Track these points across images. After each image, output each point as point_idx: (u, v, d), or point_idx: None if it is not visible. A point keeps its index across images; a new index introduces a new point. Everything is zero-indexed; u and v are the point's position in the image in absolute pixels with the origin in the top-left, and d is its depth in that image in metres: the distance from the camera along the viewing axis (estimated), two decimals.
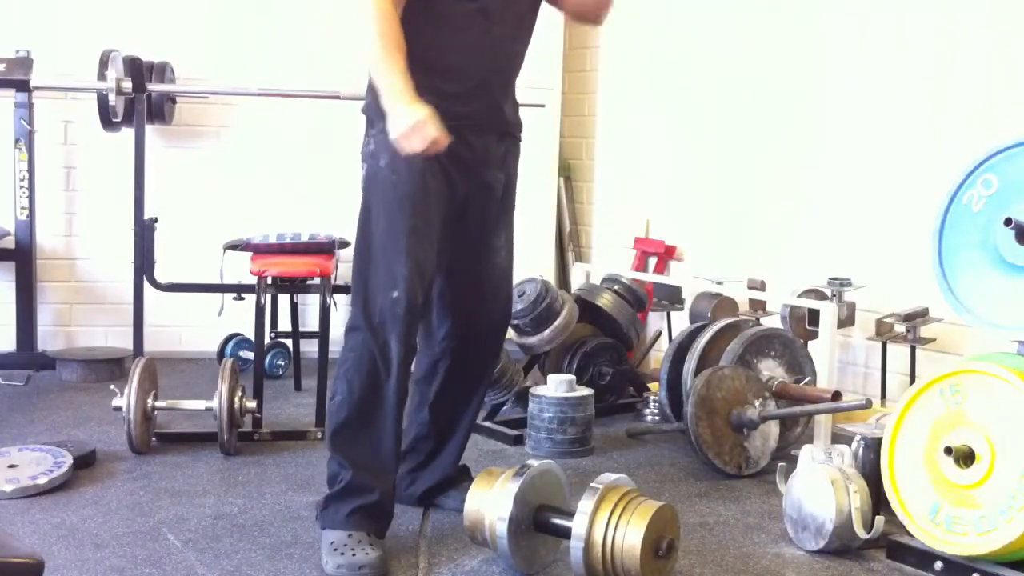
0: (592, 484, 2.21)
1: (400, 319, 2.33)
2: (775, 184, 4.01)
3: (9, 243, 4.16)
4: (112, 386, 3.15)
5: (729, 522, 2.71)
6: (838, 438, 3.07)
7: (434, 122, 2.20)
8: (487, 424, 3.46)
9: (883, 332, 3.32)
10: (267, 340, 3.80)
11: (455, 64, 2.38)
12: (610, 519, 2.14)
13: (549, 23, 4.63)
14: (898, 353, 3.40)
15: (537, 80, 4.15)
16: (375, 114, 2.36)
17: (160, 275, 3.55)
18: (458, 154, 2.36)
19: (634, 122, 4.69)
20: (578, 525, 2.15)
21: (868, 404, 2.92)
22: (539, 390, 3.30)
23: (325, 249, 3.57)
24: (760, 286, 3.66)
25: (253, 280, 3.40)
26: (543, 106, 4.14)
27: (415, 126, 2.18)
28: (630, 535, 2.12)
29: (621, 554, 2.12)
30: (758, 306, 3.72)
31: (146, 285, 3.53)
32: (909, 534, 2.41)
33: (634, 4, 4.73)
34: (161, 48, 4.29)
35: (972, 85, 3.29)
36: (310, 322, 4.39)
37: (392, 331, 2.34)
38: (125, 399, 3.05)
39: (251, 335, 3.61)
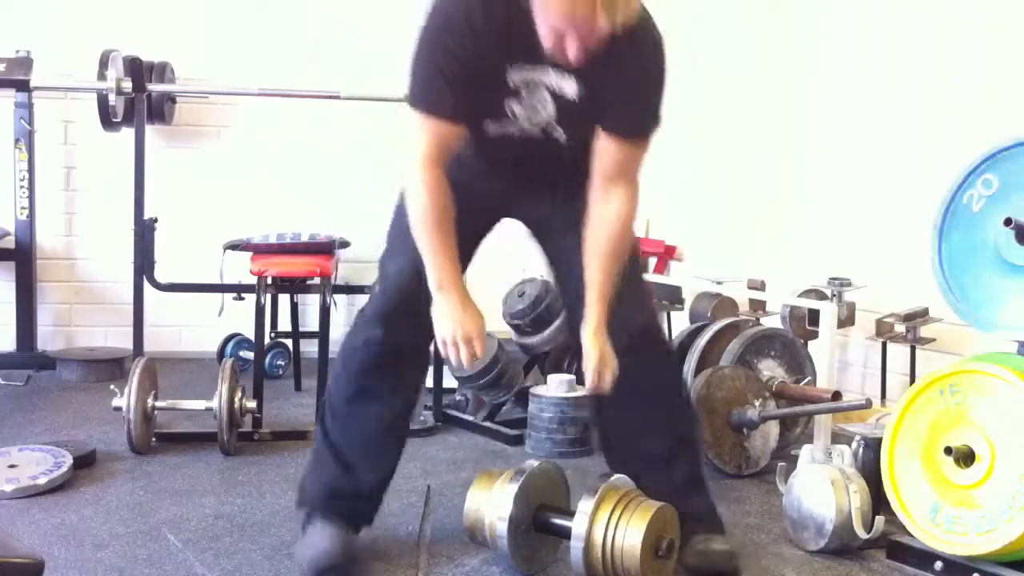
0: (592, 484, 2.21)
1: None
2: (775, 184, 4.01)
3: (9, 243, 4.16)
4: (112, 386, 3.15)
5: (729, 522, 2.70)
6: (838, 438, 3.06)
7: (480, 339, 2.12)
8: (487, 424, 3.47)
9: (883, 332, 3.32)
10: (267, 340, 3.80)
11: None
12: (610, 519, 2.14)
13: None
14: (898, 353, 3.40)
15: None
16: None
17: (160, 275, 3.55)
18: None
19: None
20: (578, 525, 2.15)
21: (868, 404, 2.92)
22: (539, 390, 3.30)
23: (325, 249, 3.57)
24: (760, 286, 3.66)
25: (253, 280, 3.40)
26: None
27: (459, 340, 2.11)
28: (630, 535, 2.12)
29: (621, 554, 2.12)
30: (758, 306, 3.72)
31: (146, 285, 3.53)
32: (909, 534, 2.40)
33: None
34: (161, 48, 4.30)
35: (972, 85, 3.28)
36: (310, 322, 4.39)
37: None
38: (125, 399, 3.05)
39: (251, 335, 3.61)
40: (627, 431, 2.40)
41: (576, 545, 2.15)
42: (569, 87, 2.09)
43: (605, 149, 2.15)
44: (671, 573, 2.23)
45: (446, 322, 2.12)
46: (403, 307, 2.26)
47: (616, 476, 2.26)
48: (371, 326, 2.29)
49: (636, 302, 2.30)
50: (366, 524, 2.38)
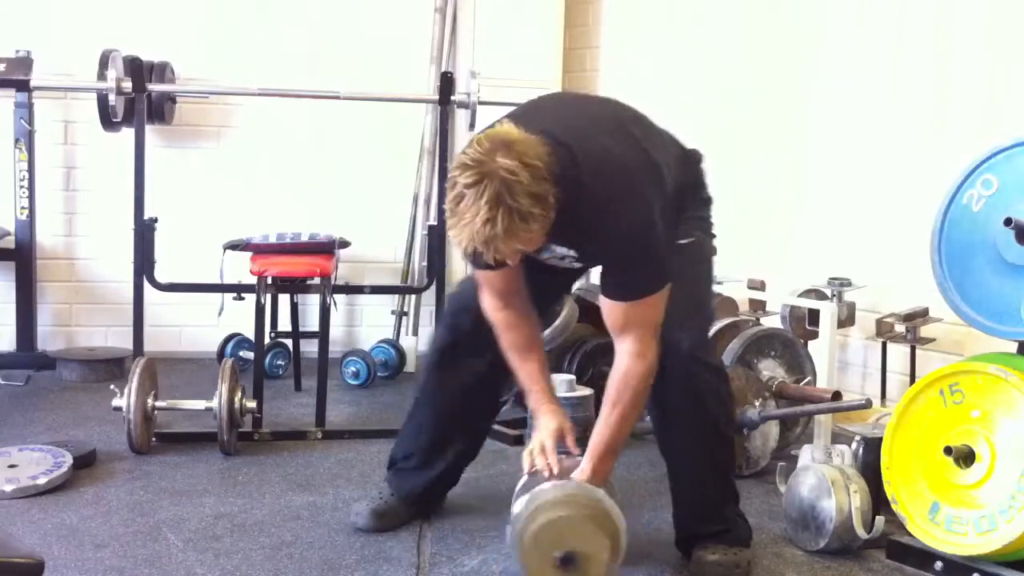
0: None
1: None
2: (775, 184, 4.01)
3: (9, 243, 4.16)
4: (112, 386, 3.14)
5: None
6: (838, 438, 3.07)
7: (548, 454, 2.26)
8: None
9: (883, 332, 3.32)
10: (267, 340, 3.80)
11: None
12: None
13: (548, 22, 4.65)
14: (898, 353, 3.40)
15: (537, 80, 4.15)
16: None
17: (160, 275, 3.55)
18: None
19: None
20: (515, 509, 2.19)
21: (868, 404, 2.92)
22: None
23: (325, 249, 3.56)
24: (760, 286, 3.66)
25: (253, 280, 3.40)
26: None
27: (531, 451, 2.30)
28: (526, 535, 2.12)
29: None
30: (758, 306, 3.72)
31: (146, 285, 3.52)
32: (909, 534, 2.41)
33: (634, 4, 4.73)
34: (161, 48, 4.29)
35: (972, 85, 3.28)
36: (310, 322, 4.39)
37: None
38: (125, 399, 3.05)
39: (251, 335, 3.61)
40: (659, 434, 2.45)
41: (509, 529, 2.17)
42: (568, 252, 2.21)
43: (605, 304, 2.21)
44: None
45: (533, 434, 2.36)
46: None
47: (577, 484, 2.22)
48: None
49: (681, 323, 2.25)
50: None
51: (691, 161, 2.43)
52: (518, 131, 1.99)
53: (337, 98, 3.94)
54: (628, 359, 2.19)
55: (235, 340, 4.32)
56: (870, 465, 2.58)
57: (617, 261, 2.16)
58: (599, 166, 2.08)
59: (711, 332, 2.35)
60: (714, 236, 2.46)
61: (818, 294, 3.48)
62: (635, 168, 2.16)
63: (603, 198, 2.07)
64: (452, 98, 3.73)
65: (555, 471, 2.21)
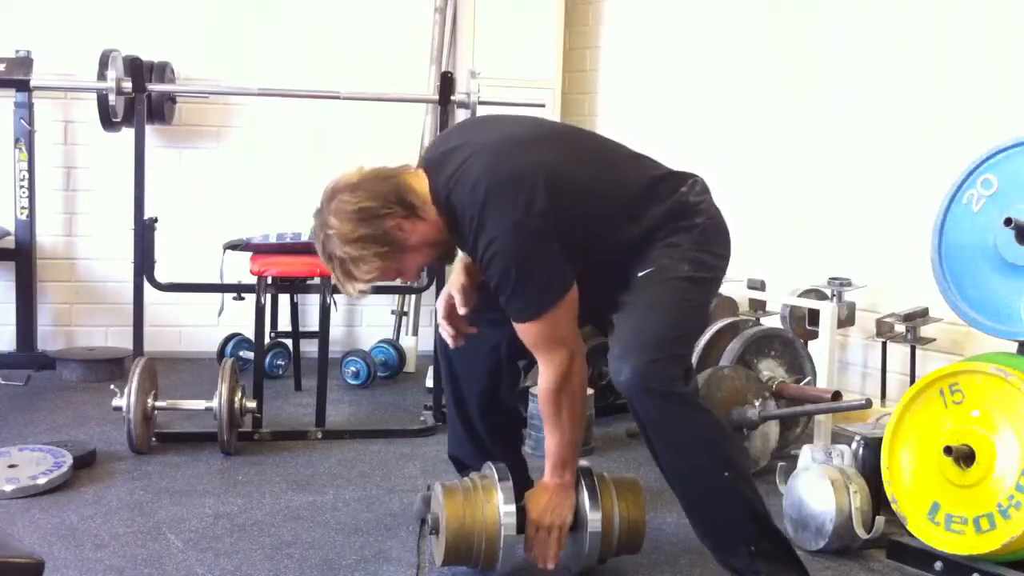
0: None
1: None
2: (775, 183, 4.01)
3: (9, 243, 4.16)
4: (112, 386, 3.15)
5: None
6: (838, 438, 3.07)
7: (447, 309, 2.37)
8: None
9: (883, 332, 3.32)
10: (267, 340, 3.80)
11: None
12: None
13: (548, 22, 4.65)
14: (898, 353, 3.40)
15: (537, 80, 4.15)
16: None
17: (160, 275, 3.55)
18: None
19: (634, 122, 4.69)
20: None
21: (868, 404, 2.92)
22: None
23: None
24: (760, 286, 3.66)
25: (253, 280, 3.40)
26: (543, 106, 4.14)
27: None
28: None
29: None
30: (758, 306, 3.72)
31: (146, 285, 3.53)
32: (909, 534, 2.41)
33: (634, 4, 4.73)
34: (161, 48, 4.30)
35: (972, 85, 3.28)
36: (310, 322, 4.39)
37: None
38: (125, 399, 3.05)
39: (251, 335, 3.61)
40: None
41: None
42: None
43: None
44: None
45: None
46: None
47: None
48: None
49: (623, 354, 2.10)
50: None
51: (665, 187, 2.30)
52: (355, 174, 2.26)
53: (337, 98, 3.94)
54: (542, 379, 2.20)
55: (235, 340, 4.32)
56: (870, 465, 2.58)
57: (494, 286, 2.10)
58: (457, 183, 2.10)
59: (675, 357, 2.13)
60: (700, 262, 2.26)
61: (818, 294, 3.48)
62: (495, 183, 2.06)
63: (468, 216, 2.08)
64: (452, 98, 3.73)
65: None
